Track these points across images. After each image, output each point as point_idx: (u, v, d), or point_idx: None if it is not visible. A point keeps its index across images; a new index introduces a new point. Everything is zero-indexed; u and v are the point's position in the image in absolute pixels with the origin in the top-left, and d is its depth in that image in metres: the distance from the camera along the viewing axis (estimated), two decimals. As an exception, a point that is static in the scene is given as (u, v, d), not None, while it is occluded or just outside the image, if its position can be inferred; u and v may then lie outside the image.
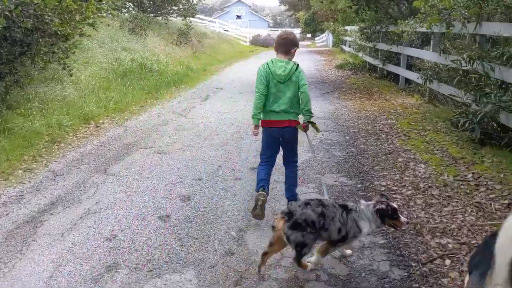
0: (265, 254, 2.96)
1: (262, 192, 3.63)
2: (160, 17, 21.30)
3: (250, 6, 70.41)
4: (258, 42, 36.21)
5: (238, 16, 65.79)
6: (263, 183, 3.73)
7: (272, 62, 3.78)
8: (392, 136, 6.42)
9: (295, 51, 3.87)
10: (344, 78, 13.18)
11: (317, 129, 3.86)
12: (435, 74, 7.80)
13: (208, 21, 36.13)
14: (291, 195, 3.88)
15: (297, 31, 62.41)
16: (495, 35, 5.82)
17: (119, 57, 11.61)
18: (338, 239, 2.90)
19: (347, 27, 21.93)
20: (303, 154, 5.38)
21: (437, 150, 5.58)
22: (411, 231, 3.55)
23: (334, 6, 24.62)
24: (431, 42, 8.29)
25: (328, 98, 9.82)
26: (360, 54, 16.13)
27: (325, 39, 39.32)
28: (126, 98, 9.01)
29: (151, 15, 21.28)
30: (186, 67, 15.38)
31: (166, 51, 16.79)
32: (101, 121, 7.40)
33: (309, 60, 20.66)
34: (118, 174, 4.95)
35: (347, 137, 6.44)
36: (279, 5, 52.96)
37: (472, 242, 3.32)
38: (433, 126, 6.69)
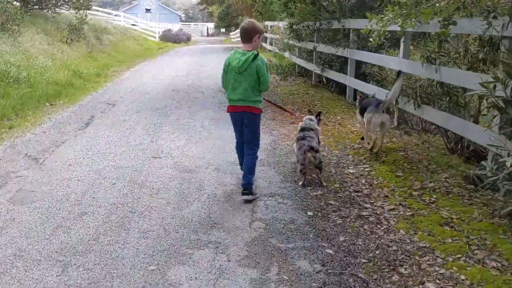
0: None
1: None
2: (47, 10, 17.40)
3: (160, -1, 65.97)
4: (169, 38, 32.69)
5: (148, 10, 61.17)
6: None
7: (233, 53, 4.03)
8: (381, 207, 3.82)
9: (258, 37, 4.04)
10: (272, 85, 10.56)
11: None
12: (415, 92, 5.38)
13: (114, 15, 31.92)
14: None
15: (210, 26, 59.40)
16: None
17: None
18: None
19: (268, 23, 19.40)
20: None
21: (477, 246, 3.07)
22: None
23: (250, -1, 22.03)
24: (401, 46, 5.87)
25: (262, 120, 7.12)
26: (286, 54, 13.64)
27: (241, 34, 36.71)
28: None
29: (36, 7, 17.29)
30: (74, 72, 11.88)
31: (49, 52, 13.10)
32: None
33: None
34: None
35: (309, 214, 3.75)
36: (191, -2, 49.35)
37: None
38: (436, 182, 4.21)
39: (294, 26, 11.10)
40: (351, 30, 7.85)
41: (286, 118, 7.18)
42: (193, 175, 4.65)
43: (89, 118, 7.47)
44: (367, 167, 4.75)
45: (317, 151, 4.23)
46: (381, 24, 4.99)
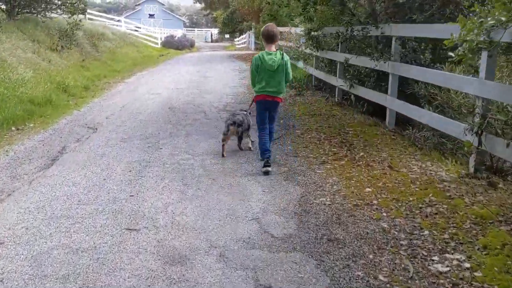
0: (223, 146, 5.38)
1: (267, 168, 4.77)
2: (36, 15, 15.76)
3: (163, 4, 64.47)
4: (171, 44, 30.99)
5: (151, 15, 59.67)
6: (267, 154, 4.90)
7: (262, 55, 4.84)
8: None
9: (279, 38, 5.13)
10: (288, 104, 8.78)
11: None
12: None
13: (117, 20, 30.26)
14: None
15: (214, 31, 57.69)
16: None
17: None
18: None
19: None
20: None
21: None
22: None
23: (257, 3, 20.35)
24: (484, 61, 4.08)
25: (281, 156, 5.33)
26: (300, 65, 11.86)
27: (246, 40, 35.00)
28: None
29: (25, 11, 15.61)
30: (58, 85, 10.14)
31: (33, 62, 11.40)
32: None
33: (230, 72, 16.05)
34: None
35: None
36: (194, 3, 47.79)
37: None
38: None
39: (312, 33, 9.32)
40: (394, 39, 6.06)
41: (314, 154, 5.39)
42: (185, 272, 2.86)
43: (59, 150, 5.72)
44: (463, 258, 2.95)
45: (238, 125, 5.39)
46: (475, 32, 3.20)
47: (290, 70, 4.94)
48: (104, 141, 6.14)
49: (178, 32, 40.57)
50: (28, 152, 5.64)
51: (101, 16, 29.03)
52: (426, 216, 3.59)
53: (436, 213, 3.63)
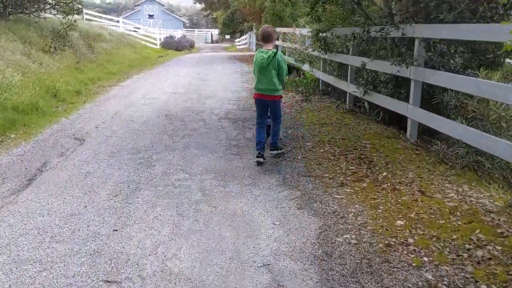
0: None
1: (259, 159, 4.97)
2: (28, 15, 15.08)
3: (163, 5, 63.73)
4: (171, 45, 30.27)
5: (151, 16, 58.93)
6: (259, 146, 5.06)
7: (258, 52, 5.02)
8: None
9: (274, 38, 5.12)
10: (295, 111, 8.07)
11: None
12: None
13: (116, 21, 29.53)
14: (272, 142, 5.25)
15: (215, 32, 56.93)
16: None
17: None
18: None
19: (280, 29, 16.94)
20: None
21: None
22: None
23: (258, 3, 19.65)
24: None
25: (292, 176, 4.62)
26: (305, 68, 11.14)
27: (247, 41, 34.28)
28: None
29: (18, 11, 14.95)
30: (47, 89, 9.43)
31: (22, 64, 10.71)
32: None
33: (231, 74, 15.33)
34: None
35: None
36: (194, 3, 47.04)
37: None
38: None
39: (320, 34, 8.61)
40: (417, 41, 5.33)
41: (330, 173, 4.67)
42: None
43: (38, 167, 5.01)
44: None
45: None
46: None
47: (284, 67, 4.99)
48: (91, 156, 5.43)
49: (178, 33, 39.84)
50: (3, 169, 4.93)
51: (99, 17, 28.32)
52: (478, 263, 2.87)
53: (489, 258, 2.92)
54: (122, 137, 6.33)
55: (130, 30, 28.34)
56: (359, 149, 5.42)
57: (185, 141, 6.11)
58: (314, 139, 6.03)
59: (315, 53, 9.41)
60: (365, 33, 6.34)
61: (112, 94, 10.47)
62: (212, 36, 56.02)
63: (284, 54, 16.60)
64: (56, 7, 16.02)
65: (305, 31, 11.02)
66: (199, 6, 55.42)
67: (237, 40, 41.59)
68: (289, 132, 6.43)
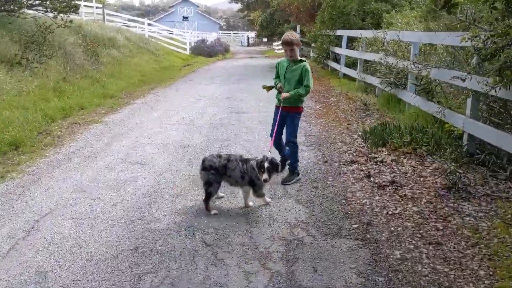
0: None
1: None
2: (13, 13, 11.06)
3: (198, 6, 59.61)
4: (202, 50, 25.72)
5: (185, 18, 54.88)
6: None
7: (281, 61, 4.44)
8: None
9: (298, 45, 4.31)
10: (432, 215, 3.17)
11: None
12: None
13: (148, 23, 25.20)
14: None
15: (251, 35, 52.24)
16: None
17: None
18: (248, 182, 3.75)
19: (342, 32, 12.02)
20: None
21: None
22: None
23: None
24: None
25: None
26: (417, 101, 6.16)
27: (288, 45, 29.32)
28: None
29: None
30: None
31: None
32: None
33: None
34: None
35: None
36: (230, 2, 42.47)
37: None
38: None
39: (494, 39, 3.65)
40: None
41: None
42: None
43: None
44: None
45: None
46: None
47: (309, 80, 4.27)
48: None
49: (212, 36, 35.40)
50: None
51: (119, 17, 24.15)
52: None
53: None
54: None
55: (154, 32, 23.99)
56: None
57: None
58: None
59: (474, 83, 4.42)
60: None
61: (84, 140, 5.94)
62: (248, 39, 51.35)
63: (349, 67, 11.71)
64: (44, 3, 11.73)
65: (416, 36, 6.08)
66: (235, 7, 50.99)
67: (276, 43, 36.73)
68: None
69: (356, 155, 5.09)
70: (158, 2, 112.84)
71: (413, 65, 5.78)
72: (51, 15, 11.43)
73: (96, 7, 21.47)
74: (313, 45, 18.25)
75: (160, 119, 7.51)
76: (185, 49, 24.71)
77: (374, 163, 4.79)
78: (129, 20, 24.77)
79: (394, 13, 10.82)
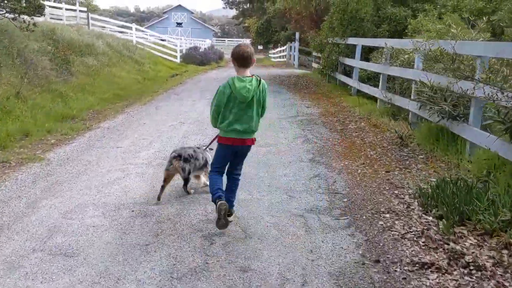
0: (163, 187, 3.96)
1: (222, 201, 3.27)
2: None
3: (192, 13, 57.67)
4: (194, 58, 23.66)
5: (179, 24, 52.91)
6: (220, 192, 3.37)
7: (232, 82, 3.27)
8: None
9: (254, 61, 3.38)
10: None
11: None
12: None
13: (135, 29, 23.10)
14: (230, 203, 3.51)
15: (247, 42, 50.33)
16: None
17: None
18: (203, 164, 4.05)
19: (355, 40, 10.02)
20: None
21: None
22: None
23: (315, 2, 12.85)
24: None
25: None
26: (487, 143, 4.13)
27: (287, 54, 27.41)
28: None
29: None
30: None
31: None
32: None
33: (289, 129, 8.43)
34: None
35: None
36: (224, 8, 40.56)
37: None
38: None
39: None
40: None
41: None
42: None
43: None
44: None
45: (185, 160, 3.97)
46: None
47: (267, 102, 3.44)
48: None
49: (206, 43, 33.37)
50: None
51: (105, 22, 22.06)
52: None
53: None
54: None
55: (142, 38, 21.91)
56: None
57: None
58: None
59: None
60: None
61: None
62: (243, 47, 49.43)
63: (364, 82, 9.71)
64: (2, 3, 9.69)
65: (491, 48, 4.09)
66: (230, 14, 49.11)
67: (272, 51, 34.77)
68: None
69: (425, 245, 3.03)
70: (154, 9, 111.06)
71: (500, 92, 3.75)
72: (11, 16, 9.47)
73: (80, 11, 19.41)
74: (314, 54, 16.26)
75: (124, 155, 5.42)
76: (175, 57, 22.65)
77: (463, 267, 2.73)
78: (116, 25, 22.74)
79: (421, 18, 8.85)
